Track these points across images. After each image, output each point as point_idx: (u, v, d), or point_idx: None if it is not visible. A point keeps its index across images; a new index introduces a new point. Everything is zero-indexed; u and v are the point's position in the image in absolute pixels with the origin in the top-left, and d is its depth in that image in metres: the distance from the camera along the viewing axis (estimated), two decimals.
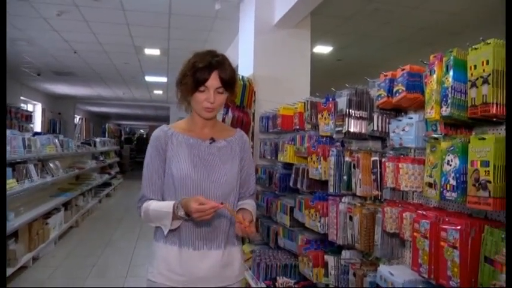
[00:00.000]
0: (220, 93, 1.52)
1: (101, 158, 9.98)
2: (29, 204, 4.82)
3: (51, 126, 12.25)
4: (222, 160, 1.57)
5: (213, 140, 1.59)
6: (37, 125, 11.53)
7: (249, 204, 1.64)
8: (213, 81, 1.49)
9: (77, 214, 6.48)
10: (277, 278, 2.67)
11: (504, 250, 1.04)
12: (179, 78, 1.56)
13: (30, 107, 11.45)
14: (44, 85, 10.96)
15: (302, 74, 4.21)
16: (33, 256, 4.42)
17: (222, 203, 1.39)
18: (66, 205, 6.00)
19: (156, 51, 7.16)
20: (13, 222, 3.85)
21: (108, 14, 5.18)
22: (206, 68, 1.48)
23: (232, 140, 1.64)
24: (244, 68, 4.39)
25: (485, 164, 1.11)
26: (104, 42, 6.59)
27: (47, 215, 5.09)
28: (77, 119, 15.50)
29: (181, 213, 1.42)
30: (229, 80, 1.52)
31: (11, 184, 3.81)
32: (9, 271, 3.81)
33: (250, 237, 1.46)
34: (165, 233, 1.49)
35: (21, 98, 10.53)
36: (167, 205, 1.47)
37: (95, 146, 9.13)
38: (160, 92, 12.03)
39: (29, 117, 10.23)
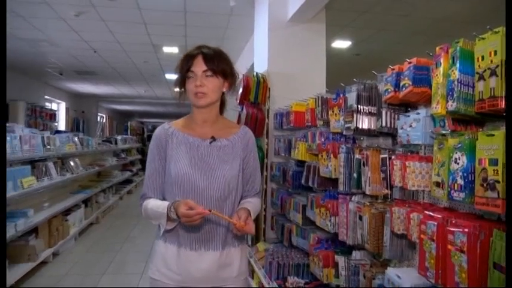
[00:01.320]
0: (209, 77, 1.49)
1: (123, 156, 10.15)
2: (49, 201, 4.94)
3: (75, 125, 12.52)
4: (222, 160, 1.53)
5: (213, 139, 1.55)
6: (61, 124, 11.81)
7: (250, 202, 1.60)
8: (198, 64, 1.48)
9: (97, 211, 6.60)
10: (288, 277, 2.63)
11: None
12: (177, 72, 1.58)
13: (54, 106, 11.73)
14: (67, 84, 11.21)
15: (317, 69, 4.13)
16: (53, 252, 4.52)
17: (210, 210, 1.37)
18: (86, 202, 6.12)
19: (174, 49, 7.18)
20: (32, 218, 3.94)
21: (124, 13, 5.22)
22: (191, 55, 1.50)
23: (234, 139, 1.59)
24: (259, 64, 4.36)
25: (493, 162, 1.04)
26: (122, 41, 6.67)
27: (67, 211, 5.20)
28: (101, 117, 15.79)
29: (173, 215, 1.42)
30: (217, 63, 1.49)
31: (30, 182, 3.90)
32: (29, 266, 3.92)
33: (249, 234, 1.44)
34: (161, 232, 1.50)
35: (45, 97, 10.80)
36: (162, 206, 1.46)
37: (115, 143, 9.27)
38: None
39: (53, 115, 10.49)
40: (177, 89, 1.59)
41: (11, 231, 3.51)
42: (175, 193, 1.49)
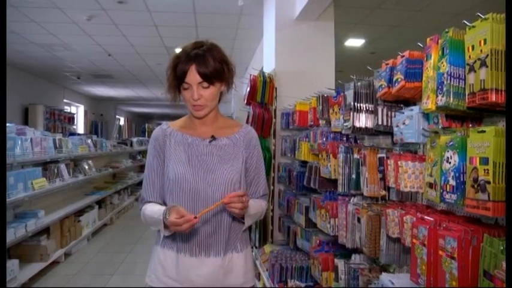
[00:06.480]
0: (205, 88, 1.39)
1: (139, 158, 10.22)
2: (62, 202, 5.00)
3: (93, 127, 12.70)
4: (222, 160, 1.45)
5: (213, 138, 1.48)
6: (80, 127, 12.00)
7: (254, 201, 1.50)
8: (193, 76, 1.37)
9: (111, 212, 6.65)
10: (288, 280, 2.56)
11: (504, 264, 0.88)
12: (166, 76, 1.47)
13: (73, 109, 11.94)
14: (85, 88, 11.39)
15: (326, 68, 4.04)
16: (65, 252, 4.57)
17: (195, 217, 1.28)
18: (100, 203, 6.17)
19: None
20: (43, 219, 3.98)
21: (134, 16, 5.25)
22: (184, 63, 1.38)
23: (235, 137, 1.51)
24: (268, 64, 4.30)
25: (484, 161, 0.95)
26: (135, 44, 6.71)
27: (80, 212, 5.25)
28: (120, 119, 15.98)
29: (168, 222, 1.35)
30: (212, 73, 1.37)
31: (41, 183, 3.95)
32: (41, 266, 3.97)
33: (238, 212, 1.34)
34: (161, 238, 1.45)
35: (64, 100, 11.00)
36: (159, 212, 1.38)
37: (131, 145, 9.35)
38: None
39: (71, 119, 10.67)
40: (170, 93, 1.47)
41: (21, 232, 3.55)
42: (174, 195, 1.42)
